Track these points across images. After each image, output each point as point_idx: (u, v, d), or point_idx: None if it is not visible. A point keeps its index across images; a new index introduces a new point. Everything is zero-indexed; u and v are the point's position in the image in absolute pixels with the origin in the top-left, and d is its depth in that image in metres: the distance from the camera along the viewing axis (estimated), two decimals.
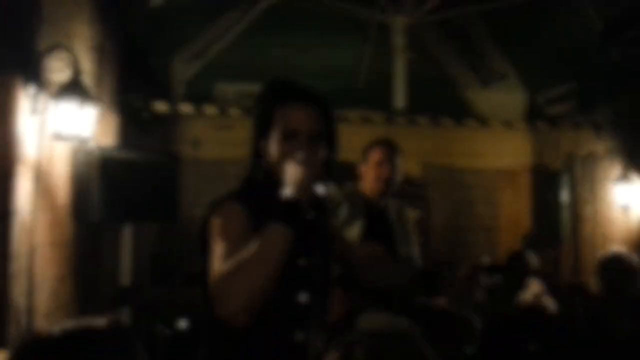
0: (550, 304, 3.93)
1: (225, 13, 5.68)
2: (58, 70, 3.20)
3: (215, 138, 6.21)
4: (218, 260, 1.63)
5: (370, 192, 3.12)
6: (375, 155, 3.13)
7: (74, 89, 3.12)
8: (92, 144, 3.36)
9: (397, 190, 3.20)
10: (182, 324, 3.96)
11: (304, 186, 1.59)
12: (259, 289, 1.56)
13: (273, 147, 1.73)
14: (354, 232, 2.96)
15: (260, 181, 1.77)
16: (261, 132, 1.76)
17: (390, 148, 3.16)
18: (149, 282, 5.45)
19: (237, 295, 1.55)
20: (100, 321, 1.20)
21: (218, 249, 1.65)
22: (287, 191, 1.60)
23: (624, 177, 4.80)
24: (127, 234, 3.71)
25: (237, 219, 1.69)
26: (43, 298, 3.16)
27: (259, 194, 1.73)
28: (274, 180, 1.69)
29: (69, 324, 1.21)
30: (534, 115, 6.18)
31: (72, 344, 1.16)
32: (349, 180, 3.15)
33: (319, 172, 1.62)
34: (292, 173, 1.61)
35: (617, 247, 3.64)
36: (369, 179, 3.13)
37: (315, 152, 1.70)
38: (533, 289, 3.85)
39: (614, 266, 3.34)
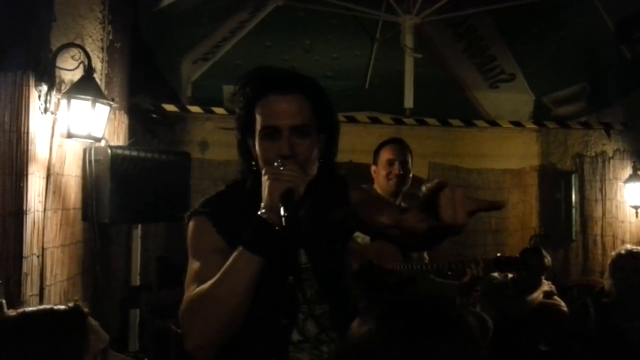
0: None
1: (233, 15, 5.68)
2: (70, 69, 3.20)
3: (222, 140, 6.22)
4: (187, 281, 1.55)
5: (382, 191, 3.12)
6: (386, 154, 3.14)
7: (85, 87, 3.12)
8: (104, 143, 3.36)
9: (408, 189, 3.20)
10: None
11: (274, 205, 1.41)
12: (223, 324, 1.44)
13: (256, 147, 1.56)
14: None
15: (246, 185, 1.62)
16: (246, 131, 1.59)
17: (400, 146, 3.18)
18: (157, 283, 5.45)
19: (200, 330, 1.44)
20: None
21: (189, 267, 1.57)
22: (262, 208, 1.45)
23: (634, 176, 4.78)
24: (136, 234, 3.69)
25: (205, 236, 1.57)
26: (54, 298, 3.15)
27: (240, 200, 1.59)
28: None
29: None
30: (542, 115, 6.16)
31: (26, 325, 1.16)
32: (364, 182, 3.15)
33: (296, 185, 1.43)
34: (264, 189, 1.46)
35: (630, 245, 3.61)
36: (380, 178, 3.14)
37: (303, 145, 1.52)
38: (544, 288, 3.83)
39: (627, 263, 3.32)
